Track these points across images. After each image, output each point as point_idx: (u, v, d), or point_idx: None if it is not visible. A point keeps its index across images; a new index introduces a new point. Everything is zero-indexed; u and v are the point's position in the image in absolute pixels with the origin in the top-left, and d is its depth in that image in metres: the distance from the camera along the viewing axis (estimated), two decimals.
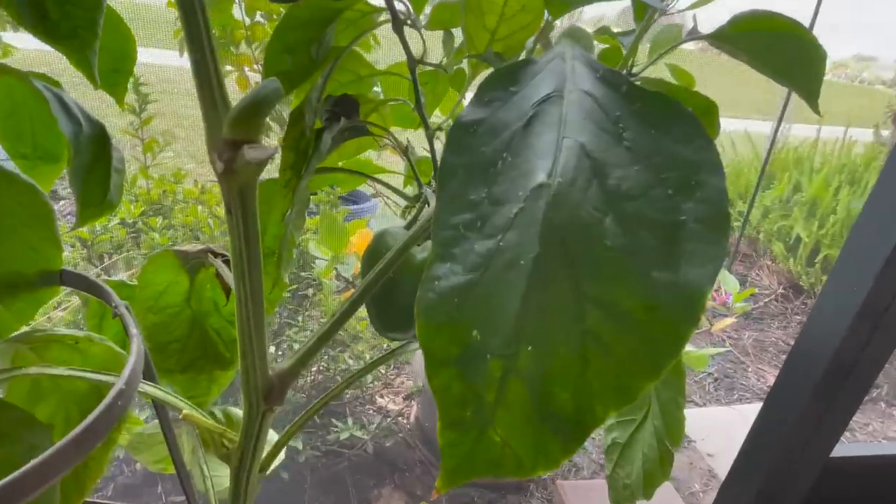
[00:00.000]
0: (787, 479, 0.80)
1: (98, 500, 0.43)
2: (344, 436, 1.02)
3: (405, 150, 0.43)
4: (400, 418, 1.32)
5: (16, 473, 0.21)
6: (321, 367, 1.11)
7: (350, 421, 1.05)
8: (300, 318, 1.06)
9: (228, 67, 1.33)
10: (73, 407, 0.40)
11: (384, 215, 1.10)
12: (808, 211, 2.82)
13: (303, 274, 1.04)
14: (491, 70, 0.35)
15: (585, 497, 1.18)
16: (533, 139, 0.19)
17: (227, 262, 0.40)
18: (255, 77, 1.23)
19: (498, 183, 0.19)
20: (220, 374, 0.52)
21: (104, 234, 1.02)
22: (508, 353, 0.17)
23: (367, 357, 1.19)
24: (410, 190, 0.49)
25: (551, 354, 0.17)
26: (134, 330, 0.31)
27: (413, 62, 0.33)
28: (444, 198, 0.19)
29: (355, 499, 1.09)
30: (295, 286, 1.10)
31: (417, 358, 1.38)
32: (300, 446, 0.99)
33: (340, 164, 0.47)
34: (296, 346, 1.07)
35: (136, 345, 0.29)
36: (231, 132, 0.21)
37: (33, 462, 0.21)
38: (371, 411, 1.27)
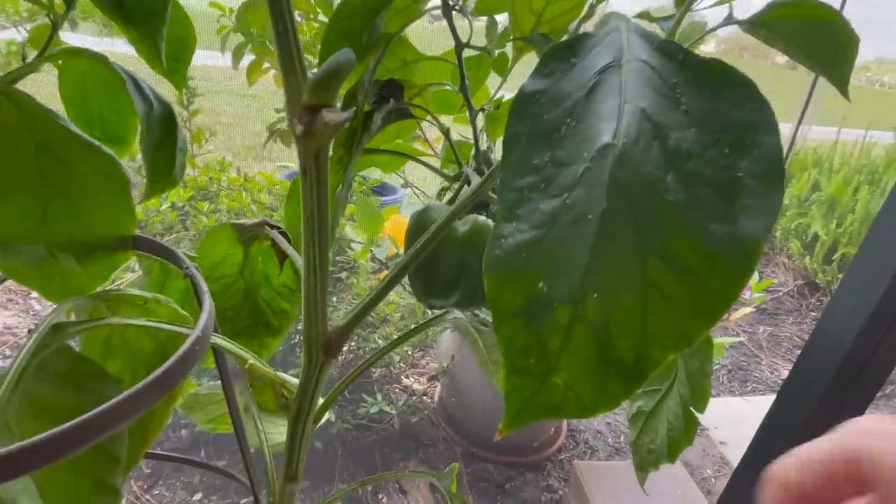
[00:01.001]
0: None
1: (157, 452, 0.46)
2: (373, 410, 1.05)
3: (446, 133, 0.45)
4: (424, 397, 1.35)
5: (111, 402, 0.23)
6: (351, 347, 1.14)
7: (379, 396, 1.09)
8: (334, 300, 1.10)
9: (266, 65, 1.37)
10: (140, 364, 0.43)
11: (412, 204, 1.12)
12: (826, 209, 2.80)
13: (338, 258, 1.07)
14: (533, 54, 0.36)
15: (600, 477, 1.20)
16: (595, 105, 0.20)
17: (282, 234, 0.42)
18: None
19: (562, 147, 0.20)
20: (269, 341, 0.55)
21: (157, 215, 1.07)
22: (576, 301, 0.18)
23: (395, 338, 1.22)
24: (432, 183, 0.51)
25: (616, 302, 0.18)
26: (204, 287, 0.33)
27: (461, 45, 0.34)
28: (508, 163, 0.21)
29: (382, 470, 1.13)
30: (331, 269, 1.13)
31: (442, 340, 1.40)
32: (332, 418, 1.03)
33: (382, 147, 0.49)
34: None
35: (208, 301, 0.31)
36: (311, 98, 0.23)
37: (123, 394, 0.24)
38: (397, 390, 1.30)
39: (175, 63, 0.43)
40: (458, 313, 0.46)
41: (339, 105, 0.27)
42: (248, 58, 1.40)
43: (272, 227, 0.42)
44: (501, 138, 0.22)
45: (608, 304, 0.18)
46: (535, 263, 0.19)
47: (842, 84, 0.34)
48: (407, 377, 1.41)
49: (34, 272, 0.37)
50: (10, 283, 0.39)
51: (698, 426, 0.36)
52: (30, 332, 0.31)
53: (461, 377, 1.29)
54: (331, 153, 0.39)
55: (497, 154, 0.40)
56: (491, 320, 0.51)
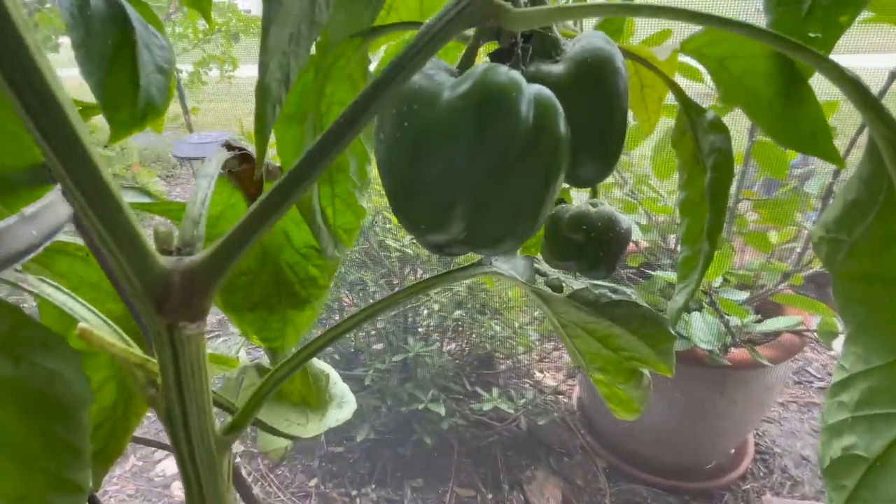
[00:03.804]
0: None
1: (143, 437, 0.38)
2: (487, 407, 0.91)
3: None
4: (560, 396, 1.15)
5: None
6: (471, 337, 1.01)
7: (496, 392, 0.94)
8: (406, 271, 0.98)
9: None
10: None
11: None
12: None
13: None
14: None
15: None
16: None
17: (244, 156, 0.31)
18: None
19: None
20: (295, 315, 0.45)
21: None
22: None
23: (517, 325, 1.06)
24: None
25: None
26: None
27: None
28: None
29: (505, 474, 0.98)
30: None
31: None
32: (442, 412, 0.91)
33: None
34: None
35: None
36: None
37: None
38: (527, 385, 1.14)
39: None
40: (501, 265, 0.30)
41: None
42: None
43: (232, 147, 0.30)
44: None
45: None
46: None
47: None
48: (540, 371, 1.23)
49: None
50: None
51: None
52: None
53: None
54: None
55: None
56: (559, 274, 0.33)
